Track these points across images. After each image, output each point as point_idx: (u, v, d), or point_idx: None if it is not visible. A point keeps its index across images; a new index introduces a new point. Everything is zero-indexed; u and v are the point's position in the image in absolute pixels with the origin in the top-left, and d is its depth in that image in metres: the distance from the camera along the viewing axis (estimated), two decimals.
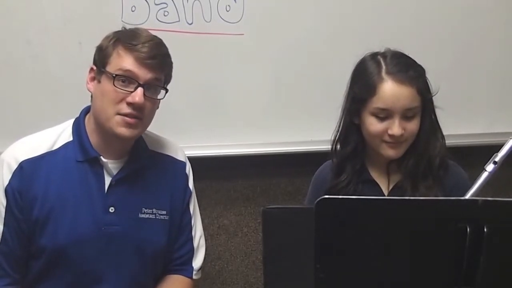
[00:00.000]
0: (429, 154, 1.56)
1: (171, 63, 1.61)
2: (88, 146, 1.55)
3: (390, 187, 1.61)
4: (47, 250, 1.53)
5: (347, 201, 1.07)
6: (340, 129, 1.63)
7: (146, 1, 2.11)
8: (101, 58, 1.52)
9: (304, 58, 2.23)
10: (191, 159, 2.06)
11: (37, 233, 1.53)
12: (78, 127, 1.58)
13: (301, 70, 2.25)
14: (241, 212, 2.42)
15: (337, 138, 1.63)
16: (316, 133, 2.28)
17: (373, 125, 1.52)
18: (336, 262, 1.07)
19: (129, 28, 1.62)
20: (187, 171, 1.71)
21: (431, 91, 1.56)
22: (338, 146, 1.64)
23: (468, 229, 1.02)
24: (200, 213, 2.42)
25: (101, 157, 1.55)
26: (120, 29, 1.61)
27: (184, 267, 1.70)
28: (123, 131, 1.52)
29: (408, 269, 1.07)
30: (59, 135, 1.58)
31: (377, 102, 1.50)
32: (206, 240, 2.42)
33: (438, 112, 1.61)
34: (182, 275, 1.70)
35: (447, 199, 1.06)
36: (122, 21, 2.10)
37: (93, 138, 1.56)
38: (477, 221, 1.02)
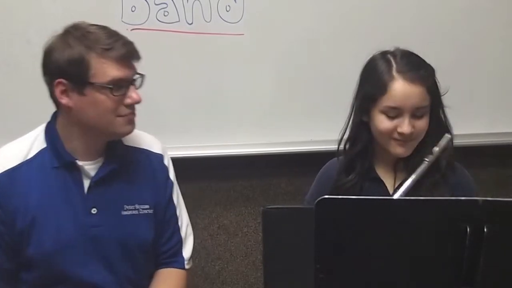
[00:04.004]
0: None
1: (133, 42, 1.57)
2: (62, 151, 1.54)
3: (396, 186, 1.61)
4: (35, 259, 1.52)
5: (347, 201, 1.07)
6: (349, 128, 1.63)
7: (146, 1, 2.11)
8: (78, 71, 1.46)
9: (304, 58, 2.23)
10: (191, 159, 2.06)
11: (23, 243, 1.52)
12: (50, 133, 1.57)
13: (301, 70, 2.25)
14: (241, 212, 2.43)
15: (346, 136, 1.64)
16: (316, 133, 2.28)
17: (383, 123, 1.53)
18: (336, 262, 1.07)
19: (74, 30, 1.52)
20: (166, 162, 1.70)
21: (440, 91, 1.57)
22: (347, 145, 1.64)
23: (468, 229, 1.02)
24: (200, 213, 2.43)
25: (77, 160, 1.54)
26: (75, 32, 1.51)
27: (174, 258, 1.69)
28: (128, 128, 1.54)
29: (408, 269, 1.07)
30: (32, 143, 1.57)
31: (388, 101, 1.51)
32: (206, 240, 2.43)
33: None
34: (174, 267, 1.69)
35: (447, 199, 1.06)
36: (122, 21, 2.11)
37: (68, 142, 1.55)
38: (477, 221, 1.02)
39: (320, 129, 2.29)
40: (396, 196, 1.45)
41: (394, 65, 1.53)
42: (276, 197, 2.40)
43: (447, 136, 1.52)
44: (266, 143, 2.27)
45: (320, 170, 1.72)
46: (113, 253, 1.57)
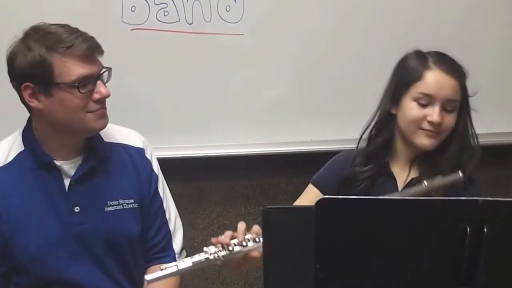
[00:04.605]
0: (454, 158, 1.57)
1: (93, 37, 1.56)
2: (40, 153, 1.54)
3: (406, 183, 1.62)
4: (23, 262, 1.53)
5: (347, 201, 1.07)
6: (377, 118, 1.65)
7: (146, 1, 2.11)
8: (42, 73, 1.46)
9: (304, 58, 2.24)
10: (191, 159, 2.06)
11: (9, 247, 1.52)
12: (27, 136, 1.57)
13: (301, 71, 2.25)
14: (241, 212, 2.42)
15: (373, 126, 1.66)
16: (316, 133, 2.28)
17: (413, 110, 1.55)
18: (336, 262, 1.07)
19: (34, 32, 1.51)
20: (148, 156, 1.69)
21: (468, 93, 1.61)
22: (372, 132, 1.66)
23: (468, 229, 1.02)
24: (200, 213, 2.43)
25: (55, 160, 1.54)
26: (35, 34, 1.50)
27: (165, 253, 1.69)
28: (100, 123, 1.53)
29: (408, 269, 1.07)
30: (10, 147, 1.57)
31: (421, 87, 1.54)
32: (206, 240, 2.43)
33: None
34: (166, 262, 1.69)
35: (447, 199, 1.06)
36: (122, 21, 2.11)
37: (45, 143, 1.55)
38: (477, 221, 1.02)
39: (320, 129, 2.29)
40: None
41: (430, 59, 1.58)
42: (276, 197, 2.41)
43: (460, 175, 1.48)
44: (266, 143, 2.27)
45: (337, 155, 1.73)
46: (100, 250, 1.57)
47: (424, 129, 1.55)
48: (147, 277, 1.44)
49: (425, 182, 1.49)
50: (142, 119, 2.08)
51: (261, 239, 1.38)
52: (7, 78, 2.10)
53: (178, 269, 1.41)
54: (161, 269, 1.42)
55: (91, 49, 1.48)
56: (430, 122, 1.53)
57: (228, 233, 1.44)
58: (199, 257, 1.43)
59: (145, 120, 2.09)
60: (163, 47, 2.16)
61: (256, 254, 1.43)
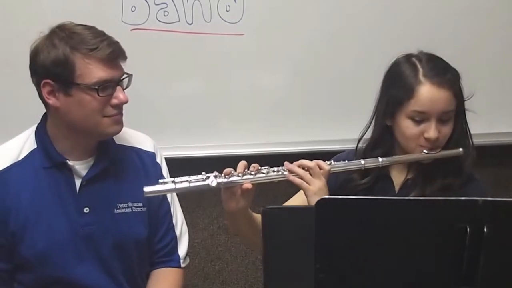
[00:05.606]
0: (452, 159, 1.56)
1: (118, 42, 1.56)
2: (52, 152, 1.54)
3: (402, 184, 1.61)
4: (29, 259, 1.53)
5: (347, 201, 1.07)
6: (371, 131, 1.62)
7: (146, 1, 2.11)
8: (63, 71, 1.47)
9: (304, 58, 2.24)
10: (191, 158, 2.06)
11: (16, 244, 1.53)
12: (40, 134, 1.57)
13: (301, 70, 2.25)
14: None
15: (369, 140, 1.63)
16: (316, 133, 2.28)
17: (409, 128, 1.52)
18: (336, 262, 1.07)
19: (59, 30, 1.51)
20: (158, 160, 1.70)
21: (464, 95, 1.57)
22: (369, 148, 1.62)
23: (468, 229, 1.02)
24: (200, 213, 2.43)
25: (67, 160, 1.55)
26: (61, 33, 1.49)
27: (170, 257, 1.70)
28: (115, 129, 1.54)
29: (408, 269, 1.08)
30: (23, 144, 1.57)
31: (415, 105, 1.50)
32: (206, 240, 2.43)
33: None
34: (170, 266, 1.69)
35: (447, 199, 1.06)
36: (122, 21, 2.11)
37: (58, 143, 1.55)
38: (477, 221, 1.02)
39: (320, 129, 2.29)
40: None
41: (421, 69, 1.52)
42: (276, 197, 2.40)
43: (460, 150, 1.53)
44: (266, 143, 2.27)
45: (338, 154, 1.70)
46: (107, 252, 1.58)
47: (422, 146, 1.52)
48: (146, 188, 1.46)
49: (424, 150, 1.51)
50: (142, 119, 2.08)
51: (258, 173, 1.49)
52: (6, 80, 2.10)
53: (176, 187, 1.48)
54: (160, 183, 1.49)
55: (114, 54, 1.49)
56: (427, 139, 1.50)
57: (228, 169, 1.51)
58: (196, 177, 1.49)
59: (145, 120, 2.09)
60: (163, 47, 2.16)
61: (248, 185, 1.49)
